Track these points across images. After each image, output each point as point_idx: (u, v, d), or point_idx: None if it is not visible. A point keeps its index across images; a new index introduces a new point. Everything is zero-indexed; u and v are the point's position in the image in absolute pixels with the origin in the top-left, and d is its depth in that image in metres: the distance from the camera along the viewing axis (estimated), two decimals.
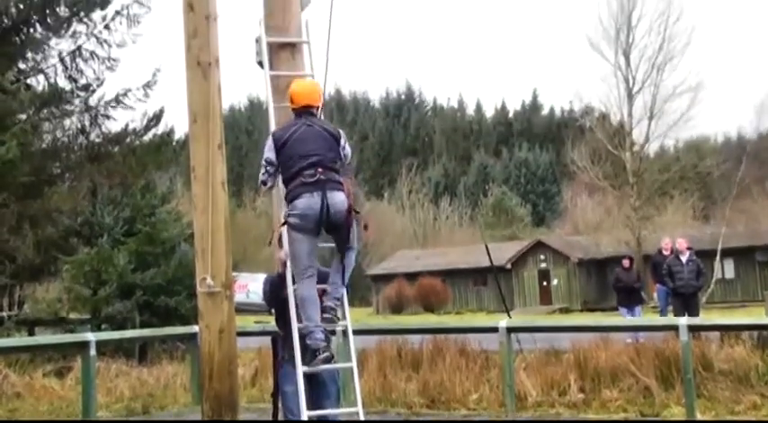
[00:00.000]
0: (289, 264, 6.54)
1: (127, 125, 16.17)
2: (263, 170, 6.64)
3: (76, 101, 15.78)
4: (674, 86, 40.85)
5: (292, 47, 7.32)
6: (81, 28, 15.55)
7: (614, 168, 42.14)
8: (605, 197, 44.16)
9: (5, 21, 14.89)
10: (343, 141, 6.68)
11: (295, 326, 6.22)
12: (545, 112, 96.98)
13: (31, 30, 15.27)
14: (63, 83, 15.82)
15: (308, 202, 6.34)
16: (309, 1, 7.71)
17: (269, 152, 6.61)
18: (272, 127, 6.75)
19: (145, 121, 16.21)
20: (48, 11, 14.97)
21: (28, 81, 15.85)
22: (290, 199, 6.46)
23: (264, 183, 6.68)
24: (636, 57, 41.48)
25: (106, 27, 15.58)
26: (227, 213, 6.68)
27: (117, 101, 15.89)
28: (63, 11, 15.17)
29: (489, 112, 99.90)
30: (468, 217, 70.06)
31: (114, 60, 15.88)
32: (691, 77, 40.92)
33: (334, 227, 6.46)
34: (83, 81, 15.93)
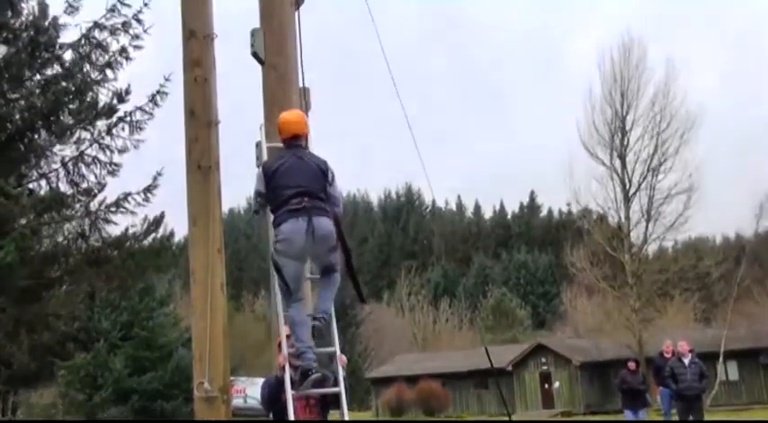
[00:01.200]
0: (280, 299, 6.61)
1: (127, 229, 16.21)
2: (254, 201, 6.85)
3: (77, 205, 15.86)
4: (669, 188, 41.27)
5: None
6: (84, 135, 15.77)
7: (613, 270, 42.11)
8: (605, 298, 43.99)
9: (10, 128, 15.11)
10: (330, 177, 6.80)
11: None
12: (543, 213, 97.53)
13: (36, 136, 15.48)
14: (64, 187, 15.93)
15: (294, 226, 6.44)
16: (310, 107, 7.88)
17: (258, 184, 6.77)
18: (271, 230, 6.81)
19: (145, 226, 16.26)
20: (52, 119, 15.20)
21: (30, 185, 15.97)
22: (276, 224, 6.57)
23: (257, 212, 6.93)
24: (631, 159, 42.01)
25: (109, 133, 15.78)
26: (225, 317, 6.65)
27: (117, 205, 15.95)
28: (67, 119, 15.41)
29: (488, 214, 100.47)
30: (468, 320, 69.60)
31: (116, 165, 16.03)
32: (686, 179, 41.05)
33: (319, 252, 6.54)
34: (84, 185, 16.04)
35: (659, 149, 41.50)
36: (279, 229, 6.50)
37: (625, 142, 42.15)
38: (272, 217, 6.73)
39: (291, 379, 6.35)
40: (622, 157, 42.07)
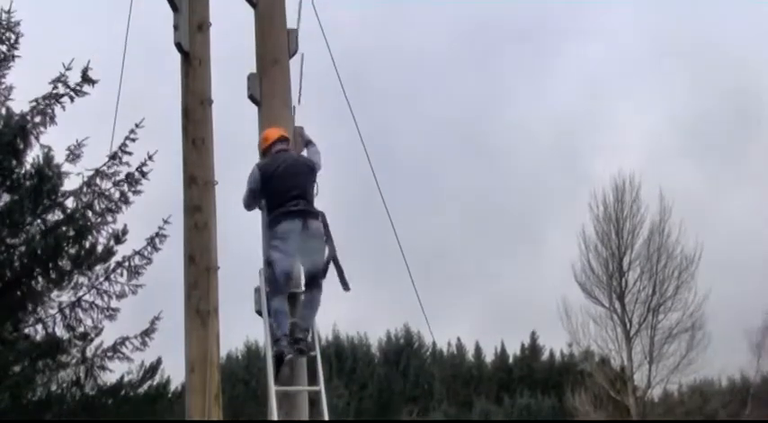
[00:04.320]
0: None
1: (122, 377, 15.97)
2: (246, 196, 7.51)
3: (73, 350, 15.68)
4: (670, 328, 40.88)
5: (292, 296, 7.41)
6: (82, 280, 15.74)
7: (619, 413, 41.18)
8: None
9: (8, 274, 15.09)
10: (317, 168, 7.65)
11: None
12: (545, 356, 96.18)
13: (33, 282, 15.44)
14: (61, 332, 15.79)
15: (290, 226, 7.11)
16: None
17: (253, 183, 7.45)
18: (270, 378, 6.74)
19: (141, 373, 16.03)
20: (51, 264, 15.20)
21: (26, 331, 15.81)
22: (273, 223, 7.20)
23: (248, 206, 7.57)
24: (630, 300, 41.76)
25: (107, 278, 15.76)
26: None
27: (114, 350, 15.79)
28: (65, 264, 15.41)
29: (489, 357, 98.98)
30: None
31: (114, 310, 15.96)
32: (687, 319, 40.75)
33: (310, 251, 7.15)
34: (81, 329, 15.91)
35: (658, 289, 41.38)
36: (276, 227, 7.14)
37: (623, 283, 42.04)
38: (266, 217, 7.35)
39: None
40: (621, 298, 41.85)
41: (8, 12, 15.05)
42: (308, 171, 7.58)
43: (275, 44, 8.36)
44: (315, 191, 7.58)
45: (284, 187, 7.29)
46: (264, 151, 7.70)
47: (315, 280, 7.24)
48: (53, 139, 15.32)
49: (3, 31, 15.16)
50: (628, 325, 41.45)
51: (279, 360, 6.77)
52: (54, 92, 15.07)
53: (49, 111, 15.08)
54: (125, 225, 15.80)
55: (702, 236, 40.69)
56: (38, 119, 15.02)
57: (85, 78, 15.07)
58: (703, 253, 40.51)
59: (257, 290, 7.42)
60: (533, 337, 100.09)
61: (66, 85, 15.03)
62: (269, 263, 7.12)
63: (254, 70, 8.33)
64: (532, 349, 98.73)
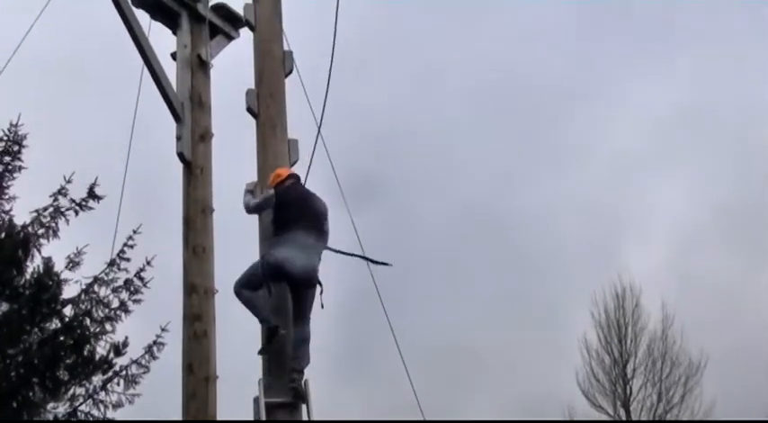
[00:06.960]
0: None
1: None
2: (251, 205, 7.68)
3: None
4: None
5: (291, 406, 7.31)
6: (79, 390, 15.49)
7: None
8: None
9: (5, 385, 14.86)
10: (328, 218, 7.73)
11: None
12: None
13: (30, 393, 15.19)
14: None
15: (291, 254, 7.17)
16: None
17: (265, 204, 7.62)
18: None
19: None
20: (48, 374, 15.00)
21: None
22: (277, 242, 7.30)
23: (249, 210, 7.70)
24: (636, 408, 41.06)
25: (104, 389, 15.52)
26: None
27: None
28: (63, 374, 15.20)
29: None
30: None
31: (109, 421, 15.66)
32: None
33: (303, 286, 7.22)
34: None
35: (664, 397, 40.71)
36: (278, 248, 7.21)
37: (628, 391, 41.39)
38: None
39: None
40: (626, 406, 41.13)
41: (15, 125, 15.27)
42: (323, 210, 7.76)
43: (276, 153, 8.46)
44: (325, 233, 7.72)
45: (300, 214, 7.49)
46: (276, 186, 7.88)
47: (302, 308, 7.29)
48: (53, 245, 15.34)
49: (9, 143, 15.34)
50: None
51: (272, 334, 6.98)
52: (55, 204, 15.18)
53: (53, 224, 15.18)
54: (126, 337, 15.57)
55: (721, 333, 39.98)
56: (40, 231, 15.08)
57: (92, 195, 15.27)
58: (710, 359, 39.99)
59: (256, 400, 7.28)
60: None
61: (67, 197, 15.16)
62: (263, 259, 7.27)
63: (256, 178, 8.42)
64: None
